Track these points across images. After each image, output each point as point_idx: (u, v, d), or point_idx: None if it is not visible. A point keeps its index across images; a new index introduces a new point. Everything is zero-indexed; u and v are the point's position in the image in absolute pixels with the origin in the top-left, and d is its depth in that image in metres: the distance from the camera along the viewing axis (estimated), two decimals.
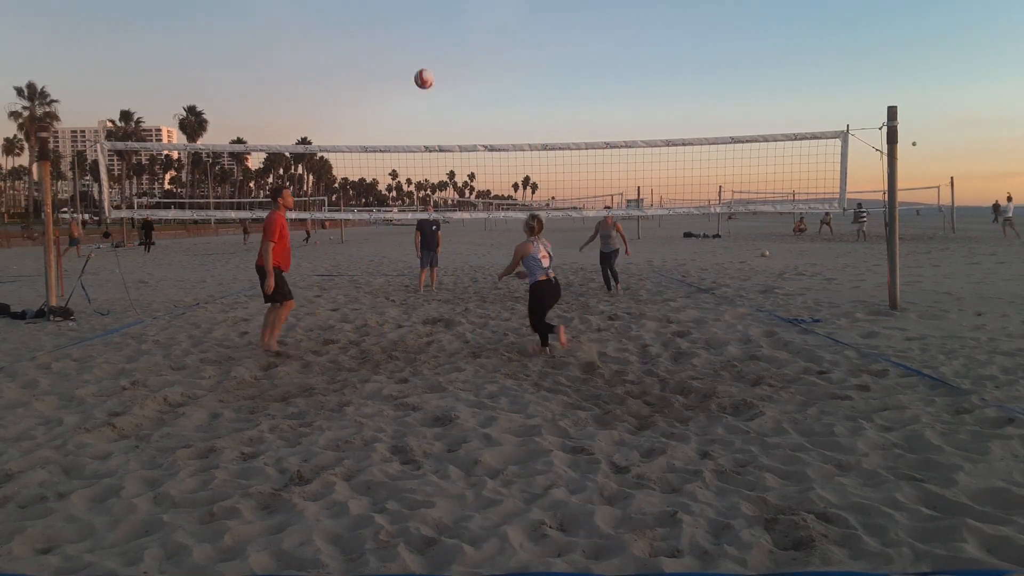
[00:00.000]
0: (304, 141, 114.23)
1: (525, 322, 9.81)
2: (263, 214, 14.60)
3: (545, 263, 7.57)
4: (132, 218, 35.57)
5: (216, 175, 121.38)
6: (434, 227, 13.79)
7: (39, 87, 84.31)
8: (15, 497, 3.94)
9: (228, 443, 4.80)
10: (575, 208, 21.57)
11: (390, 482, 4.09)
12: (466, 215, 15.58)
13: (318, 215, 16.68)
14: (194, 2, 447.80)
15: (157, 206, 73.05)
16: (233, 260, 24.61)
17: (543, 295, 7.61)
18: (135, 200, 75.53)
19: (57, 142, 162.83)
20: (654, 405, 5.76)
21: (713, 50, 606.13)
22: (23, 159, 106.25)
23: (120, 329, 9.57)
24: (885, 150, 10.06)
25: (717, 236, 37.93)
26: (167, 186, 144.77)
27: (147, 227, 32.02)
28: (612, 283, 13.29)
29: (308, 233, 42.14)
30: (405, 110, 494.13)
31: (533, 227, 7.67)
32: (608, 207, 14.82)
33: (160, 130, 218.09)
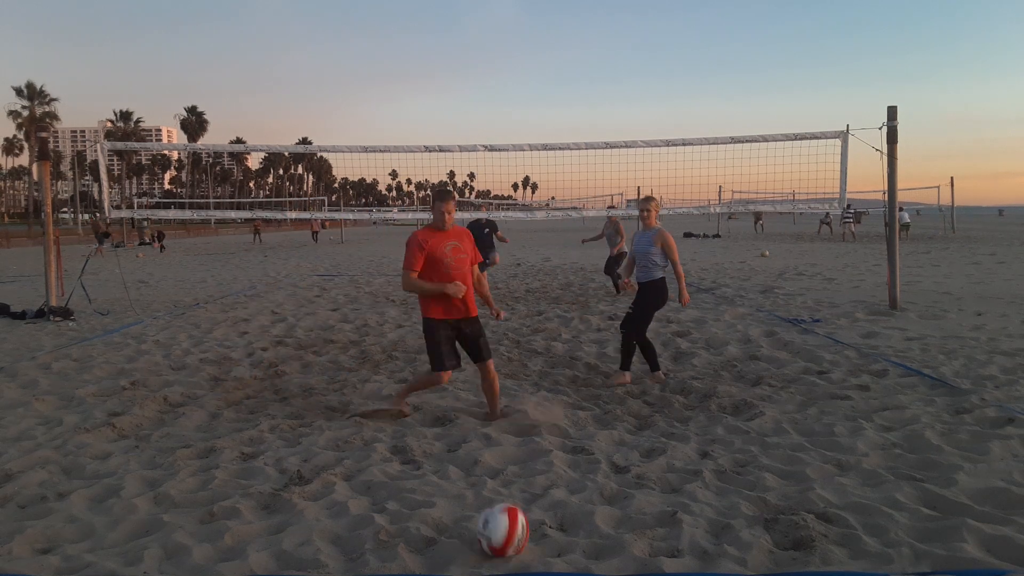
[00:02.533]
0: (304, 141, 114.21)
1: (527, 323, 9.80)
2: (264, 214, 14.66)
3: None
4: (132, 218, 35.76)
5: (216, 175, 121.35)
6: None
7: (39, 87, 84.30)
8: (15, 497, 3.94)
9: (228, 443, 4.80)
10: (575, 208, 21.59)
11: (390, 482, 4.09)
12: (466, 215, 15.62)
13: (318, 215, 16.71)
14: (195, 2, 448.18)
15: (157, 206, 73.12)
16: (233, 260, 24.60)
17: (662, 298, 6.44)
18: (135, 200, 75.51)
19: (57, 142, 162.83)
20: (654, 405, 5.76)
21: (713, 50, 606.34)
22: (23, 159, 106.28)
23: (120, 329, 9.57)
24: (885, 150, 10.06)
25: (717, 236, 37.92)
26: (167, 186, 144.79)
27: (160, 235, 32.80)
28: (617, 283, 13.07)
29: (315, 232, 42.36)
30: (405, 110, 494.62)
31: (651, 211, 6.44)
32: (612, 207, 14.60)
33: (160, 130, 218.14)
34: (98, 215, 34.56)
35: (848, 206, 32.23)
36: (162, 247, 32.06)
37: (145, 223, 34.71)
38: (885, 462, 4.28)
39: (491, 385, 5.29)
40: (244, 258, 25.56)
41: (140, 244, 33.73)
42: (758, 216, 43.72)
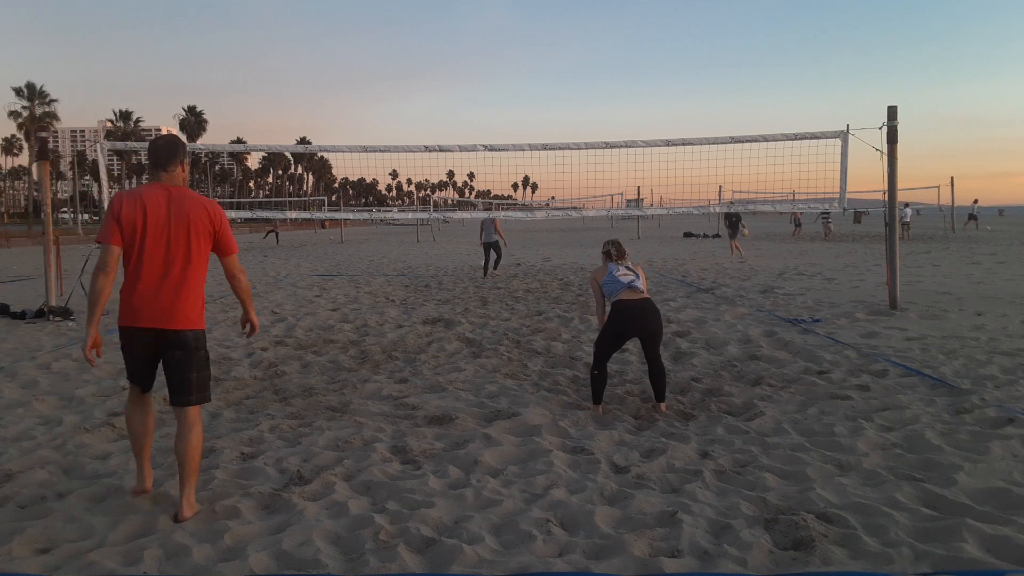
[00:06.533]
0: (304, 141, 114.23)
1: (527, 323, 9.80)
2: (265, 214, 14.66)
3: (626, 279, 5.80)
4: None
5: (216, 175, 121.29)
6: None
7: (38, 87, 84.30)
8: (15, 497, 3.94)
9: (228, 443, 4.79)
10: (575, 208, 21.60)
11: (390, 482, 4.09)
12: (466, 215, 15.62)
13: (318, 215, 16.72)
14: (194, 2, 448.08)
15: None
16: None
17: (624, 316, 5.68)
18: None
19: (57, 142, 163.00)
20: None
21: (713, 49, 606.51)
22: (23, 159, 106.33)
23: None
24: (885, 150, 10.06)
25: (717, 236, 37.90)
26: None
27: None
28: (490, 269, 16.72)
29: (276, 233, 38.22)
30: (405, 110, 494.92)
31: (611, 253, 6.08)
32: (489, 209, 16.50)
33: (160, 130, 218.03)
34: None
35: (825, 212, 33.70)
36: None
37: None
38: (885, 462, 4.28)
39: (185, 447, 3.67)
40: (243, 258, 25.58)
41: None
42: (801, 221, 39.13)
